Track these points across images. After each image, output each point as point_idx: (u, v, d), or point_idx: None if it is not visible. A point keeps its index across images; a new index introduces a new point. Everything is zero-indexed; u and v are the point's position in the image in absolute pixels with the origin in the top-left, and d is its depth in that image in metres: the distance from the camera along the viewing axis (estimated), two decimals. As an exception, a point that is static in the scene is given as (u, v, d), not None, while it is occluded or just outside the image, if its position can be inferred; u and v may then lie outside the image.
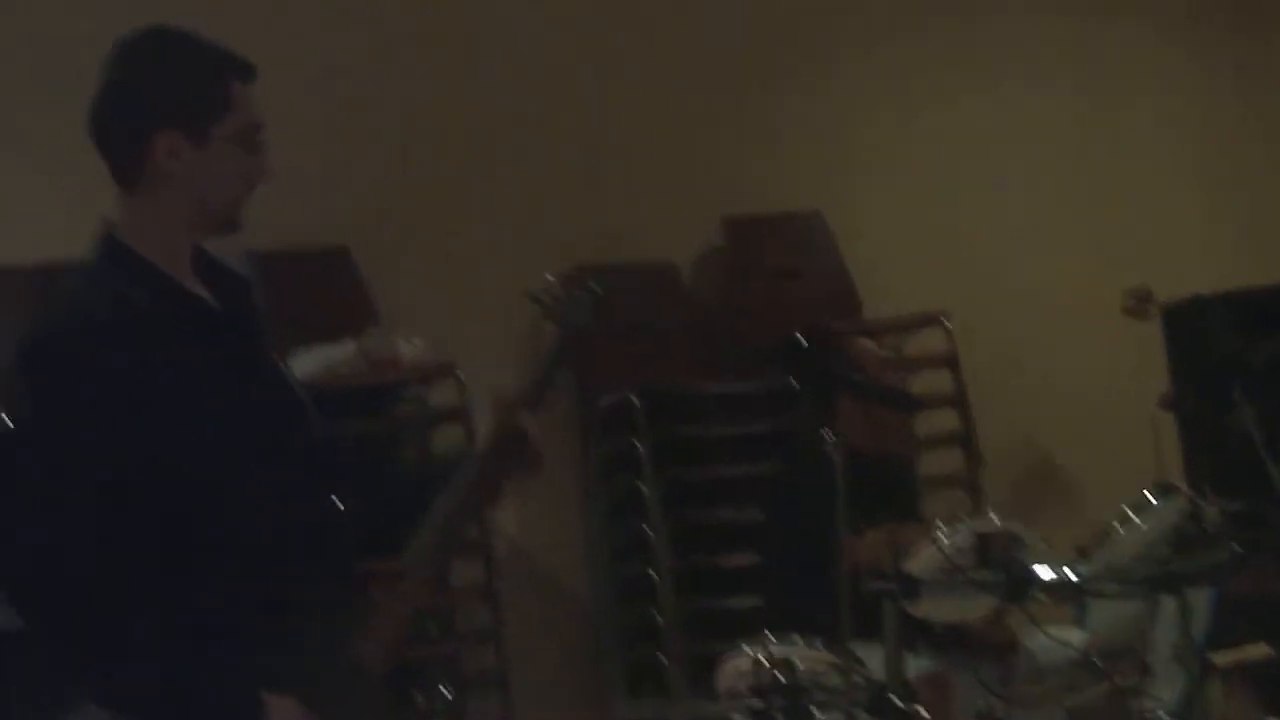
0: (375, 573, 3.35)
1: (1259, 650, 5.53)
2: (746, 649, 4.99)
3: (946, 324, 7.67)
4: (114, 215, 3.24)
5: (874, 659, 4.86)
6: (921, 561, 5.09)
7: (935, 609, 5.15)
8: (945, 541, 5.07)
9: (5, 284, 6.26)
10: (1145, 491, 5.42)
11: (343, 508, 3.40)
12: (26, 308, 3.23)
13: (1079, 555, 5.26)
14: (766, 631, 5.06)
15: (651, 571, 7.10)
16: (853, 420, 5.43)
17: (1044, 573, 4.96)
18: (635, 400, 7.17)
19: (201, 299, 3.25)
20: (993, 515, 5.32)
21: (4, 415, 3.12)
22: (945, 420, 7.66)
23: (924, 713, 4.46)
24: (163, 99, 3.18)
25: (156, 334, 3.14)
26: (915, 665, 5.07)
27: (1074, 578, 4.95)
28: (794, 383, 6.89)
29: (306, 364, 6.51)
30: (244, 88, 3.23)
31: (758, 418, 7.23)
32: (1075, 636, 5.45)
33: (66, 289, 3.23)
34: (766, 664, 4.75)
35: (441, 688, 3.37)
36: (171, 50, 3.24)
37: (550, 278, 3.62)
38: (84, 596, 3.03)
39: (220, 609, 3.12)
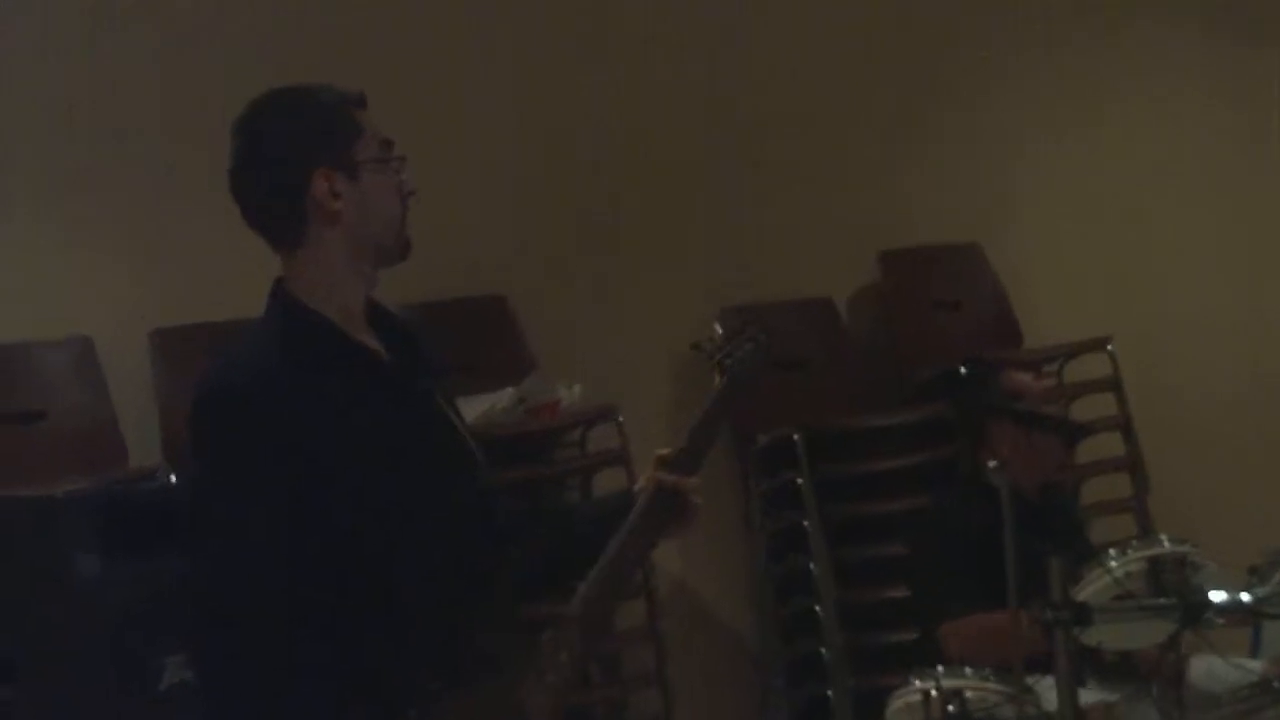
0: (544, 619, 3.35)
1: None
2: (916, 682, 4.95)
3: (1110, 349, 7.59)
4: (284, 274, 3.28)
5: (1045, 690, 4.79)
6: (1093, 588, 5.01)
7: (1108, 637, 5.07)
8: (1116, 567, 4.99)
9: (192, 340, 6.35)
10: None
11: (512, 554, 3.42)
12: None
13: (1252, 577, 5.15)
14: (937, 664, 5.02)
15: (816, 607, 7.07)
16: (1009, 451, 5.38)
17: (1218, 596, 4.88)
18: (795, 437, 7.15)
19: (371, 349, 3.28)
20: (1163, 539, 5.23)
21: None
22: (1111, 446, 7.57)
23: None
24: (306, 140, 3.23)
25: (327, 383, 3.17)
26: (1085, 697, 5.00)
27: (1248, 599, 4.86)
28: (952, 414, 6.89)
29: (466, 412, 6.53)
30: (364, 113, 3.29)
31: (918, 450, 7.18)
32: (1252, 664, 5.34)
33: (240, 343, 3.28)
34: (936, 696, 4.70)
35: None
36: (294, 99, 3.30)
37: (718, 327, 3.63)
38: (254, 635, 3.06)
39: (390, 656, 3.14)
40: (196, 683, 3.19)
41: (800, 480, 7.14)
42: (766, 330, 3.64)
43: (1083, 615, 4.44)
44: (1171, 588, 4.90)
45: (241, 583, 3.07)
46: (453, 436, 3.38)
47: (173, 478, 5.83)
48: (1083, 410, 7.54)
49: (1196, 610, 4.73)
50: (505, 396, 6.75)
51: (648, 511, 3.42)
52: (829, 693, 7.02)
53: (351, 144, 3.24)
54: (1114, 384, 7.60)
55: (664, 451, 3.48)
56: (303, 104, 3.28)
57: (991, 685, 4.89)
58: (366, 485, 3.14)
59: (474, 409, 6.57)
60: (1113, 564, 4.99)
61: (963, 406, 6.23)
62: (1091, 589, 4.99)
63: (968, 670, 4.97)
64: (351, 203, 3.22)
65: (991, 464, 4.65)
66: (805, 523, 7.14)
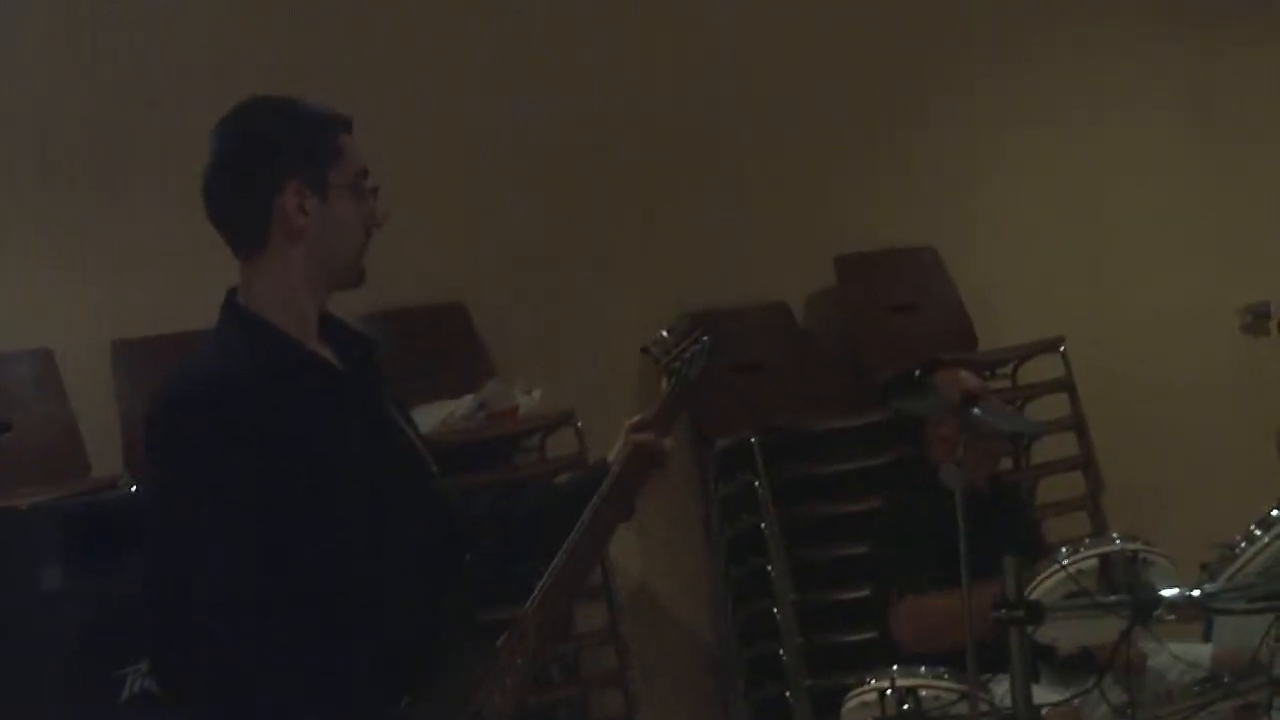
0: (499, 622, 3.39)
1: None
2: (871, 680, 5.01)
3: (1063, 350, 7.65)
4: (239, 284, 3.31)
5: (1000, 688, 4.85)
6: (1046, 586, 5.07)
7: (1061, 634, 5.13)
8: (1068, 565, 5.05)
9: (153, 351, 6.38)
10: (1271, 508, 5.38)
11: (466, 558, 3.46)
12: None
13: (1205, 574, 5.21)
14: (892, 664, 5.08)
15: (775, 609, 7.12)
16: (946, 450, 5.44)
17: (1169, 592, 4.94)
18: (753, 440, 7.20)
19: (324, 359, 3.31)
20: (1115, 537, 5.29)
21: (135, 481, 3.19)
22: (1065, 445, 7.64)
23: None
24: (283, 152, 3.25)
25: (281, 392, 3.20)
26: (1038, 695, 5.06)
27: (1200, 596, 4.92)
28: (906, 416, 6.94)
29: (426, 419, 6.56)
30: (349, 138, 3.32)
31: (874, 452, 7.24)
32: (1204, 652, 5.40)
33: (196, 353, 3.30)
34: (891, 694, 4.76)
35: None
36: (281, 110, 3.33)
37: (664, 332, 3.67)
38: (214, 645, 3.08)
39: (345, 660, 3.16)
40: (158, 689, 3.21)
41: (758, 483, 7.19)
42: (711, 334, 3.68)
43: (1035, 613, 4.49)
44: (1123, 585, 4.96)
45: (202, 587, 3.08)
46: (406, 445, 3.41)
47: (134, 488, 5.84)
48: (1037, 411, 7.60)
49: (1148, 606, 4.78)
50: (465, 403, 6.79)
51: (623, 473, 3.48)
52: (787, 693, 7.07)
53: (329, 165, 3.27)
54: (1067, 385, 7.67)
55: (635, 419, 3.54)
56: (288, 115, 3.31)
57: (946, 683, 4.94)
58: (323, 492, 3.16)
59: (434, 415, 6.61)
60: (1065, 562, 5.05)
61: (903, 409, 6.30)
62: (1044, 587, 5.04)
63: (922, 669, 5.03)
64: (317, 222, 3.25)
65: (943, 465, 4.70)
66: (763, 525, 7.19)
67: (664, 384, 3.63)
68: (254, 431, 3.13)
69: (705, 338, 3.66)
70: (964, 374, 6.10)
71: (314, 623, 3.15)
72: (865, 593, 6.45)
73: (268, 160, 3.25)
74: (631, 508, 3.52)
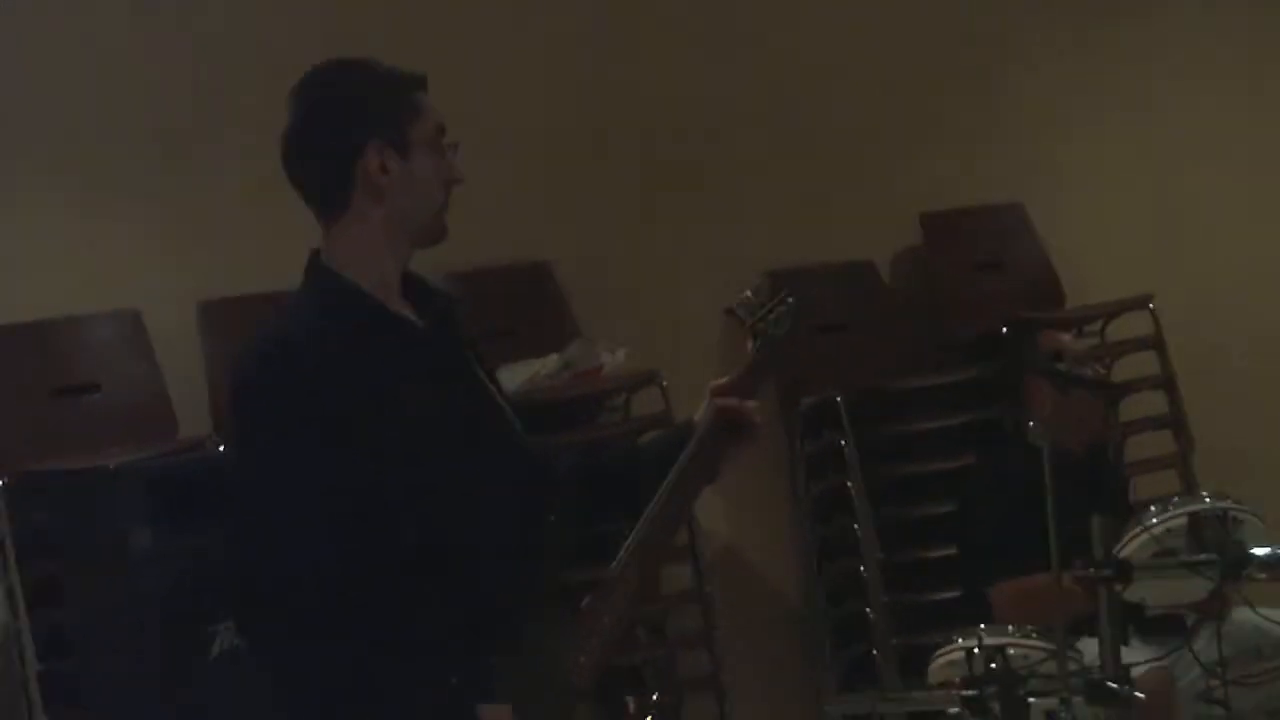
0: (587, 583, 3.39)
1: None
2: (959, 640, 5.00)
3: (1151, 307, 7.60)
4: (321, 245, 3.32)
5: (1090, 650, 4.83)
6: (1135, 545, 5.04)
7: (1151, 593, 5.10)
8: (1156, 524, 5.02)
9: (239, 311, 6.42)
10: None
11: (553, 517, 3.46)
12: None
13: (1296, 530, 5.18)
14: (982, 622, 5.06)
15: (861, 568, 7.11)
16: (1050, 411, 5.41)
17: (1259, 551, 4.91)
18: (839, 400, 7.18)
19: (406, 318, 3.32)
20: (1204, 495, 5.26)
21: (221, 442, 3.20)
22: (1154, 404, 7.59)
23: (1141, 697, 4.41)
24: (365, 112, 3.27)
25: (363, 351, 3.20)
26: (1128, 655, 5.03)
27: (1290, 554, 4.89)
28: (994, 375, 6.92)
29: (511, 378, 6.58)
30: (424, 95, 3.33)
31: (960, 411, 7.22)
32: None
33: (279, 314, 3.32)
34: (979, 653, 4.74)
35: (654, 693, 3.39)
36: (358, 71, 3.34)
37: (749, 293, 3.65)
38: (301, 605, 3.10)
39: (433, 619, 3.18)
40: (248, 649, 3.23)
41: (844, 442, 7.17)
42: (797, 294, 3.66)
43: (1124, 572, 4.48)
44: (1212, 543, 4.93)
45: (288, 546, 3.11)
46: (491, 404, 3.42)
47: (221, 448, 5.88)
48: (1125, 369, 7.55)
49: (1237, 565, 4.76)
50: (549, 362, 6.79)
51: (708, 436, 3.45)
52: (874, 652, 7.07)
53: (408, 123, 3.28)
54: (1156, 342, 7.61)
55: (719, 381, 3.51)
56: (365, 76, 3.33)
57: (1034, 642, 4.92)
58: (409, 451, 3.17)
59: (518, 375, 6.62)
60: (1153, 521, 5.02)
61: (1003, 367, 6.27)
62: (1133, 546, 5.02)
63: (1010, 628, 5.01)
64: (399, 180, 3.26)
65: (1031, 424, 4.68)
66: (849, 484, 7.17)
67: (750, 345, 3.61)
68: (337, 390, 3.14)
69: (790, 299, 3.63)
70: (1057, 334, 6.08)
71: (400, 580, 3.16)
72: (951, 551, 6.44)
73: (348, 121, 3.27)
74: (716, 471, 3.51)
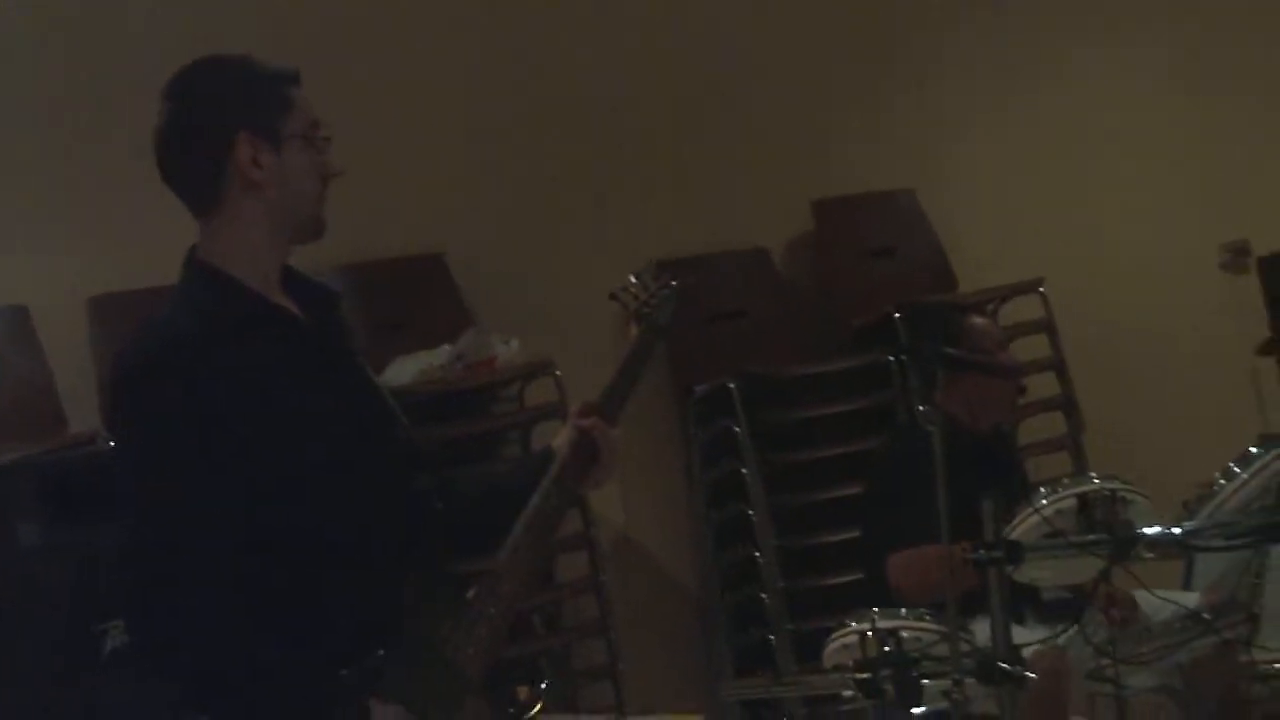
0: (472, 574, 3.38)
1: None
2: (853, 623, 5.02)
3: (1042, 291, 7.66)
4: (198, 242, 3.29)
5: (983, 631, 4.85)
6: (1024, 527, 5.07)
7: (1044, 574, 5.13)
8: (1046, 505, 5.05)
9: (130, 306, 6.37)
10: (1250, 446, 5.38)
11: (435, 510, 3.45)
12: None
13: (1185, 511, 5.22)
14: (881, 605, 5.09)
15: (756, 553, 7.14)
16: (960, 395, 5.43)
17: (1149, 530, 4.95)
18: (732, 386, 7.20)
19: (287, 310, 3.30)
20: (1093, 476, 5.30)
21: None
22: (1045, 385, 7.64)
23: (1033, 676, 4.44)
24: (234, 105, 3.24)
25: (243, 346, 3.18)
26: (1023, 635, 5.07)
27: (1178, 532, 4.93)
28: (893, 360, 6.94)
29: (405, 370, 6.57)
30: (297, 90, 3.31)
31: (853, 396, 7.26)
32: (1185, 600, 5.41)
33: (154, 314, 3.28)
34: (872, 637, 4.76)
35: (545, 683, 3.39)
36: (228, 67, 3.32)
37: (632, 278, 3.66)
38: (187, 603, 3.08)
39: (314, 615, 3.17)
40: (135, 648, 3.21)
41: (737, 428, 7.19)
42: (680, 279, 3.67)
43: (1014, 553, 4.50)
44: (1101, 523, 4.97)
45: (170, 546, 3.09)
46: (373, 397, 3.40)
47: (111, 443, 5.82)
48: (1017, 352, 7.53)
49: (1126, 545, 4.79)
50: (443, 353, 6.78)
51: (570, 461, 3.47)
52: (770, 637, 7.09)
53: (279, 117, 3.26)
54: (1047, 325, 7.68)
55: (580, 405, 3.54)
56: (235, 71, 3.30)
57: (927, 625, 4.95)
58: (289, 446, 3.16)
59: (412, 367, 6.61)
60: (1043, 502, 5.05)
61: (917, 352, 6.27)
62: (1024, 527, 5.05)
63: (903, 611, 5.04)
64: (272, 174, 3.23)
65: (922, 408, 4.70)
66: (743, 470, 7.20)
67: (632, 330, 3.62)
68: (217, 384, 3.12)
69: (674, 282, 3.64)
70: (977, 319, 6.10)
71: (283, 574, 3.15)
72: (847, 536, 6.47)
73: (217, 115, 3.24)
74: (576, 497, 3.52)
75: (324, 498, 3.20)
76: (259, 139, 3.23)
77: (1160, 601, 5.29)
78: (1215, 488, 5.25)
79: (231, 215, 3.25)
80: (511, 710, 3.34)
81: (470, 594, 3.33)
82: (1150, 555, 4.96)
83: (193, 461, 3.09)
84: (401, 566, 3.29)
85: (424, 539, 3.40)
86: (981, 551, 4.43)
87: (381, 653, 3.15)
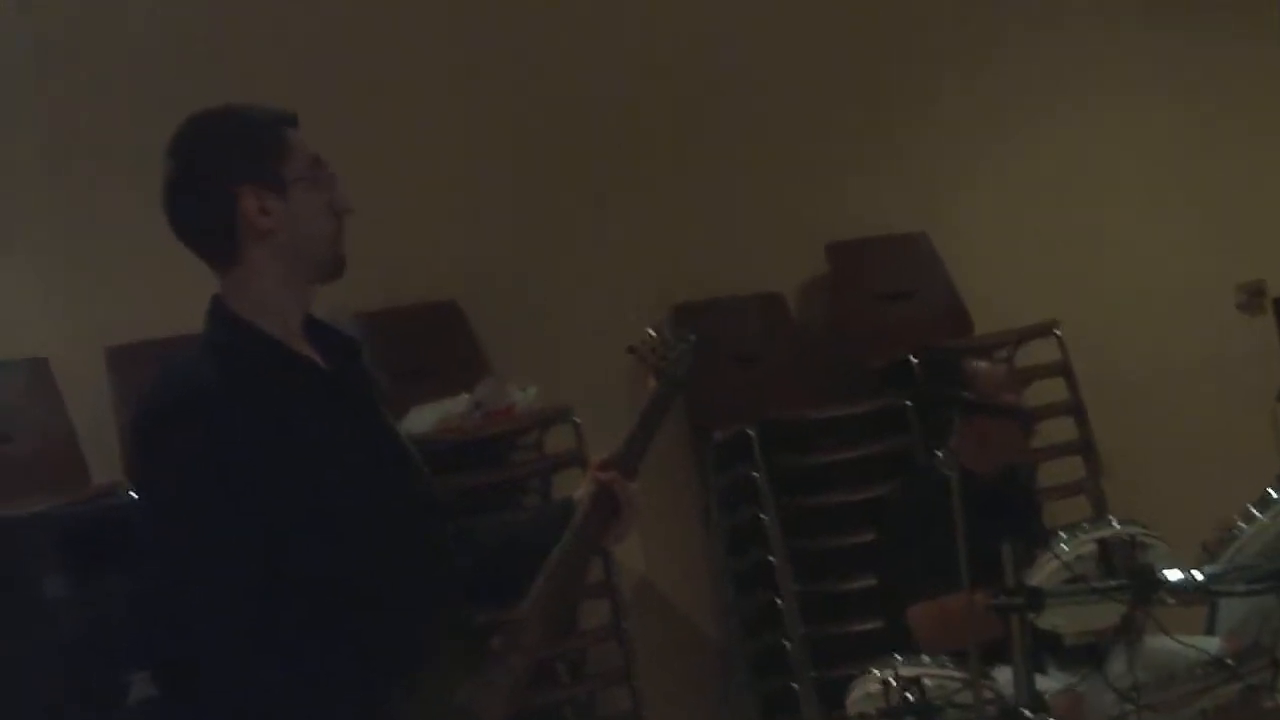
0: (495, 624, 3.40)
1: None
2: (876, 671, 5.02)
3: (1058, 334, 7.66)
4: (221, 290, 3.29)
5: (1005, 677, 4.85)
6: (1046, 572, 5.07)
7: (1062, 620, 5.13)
8: (1066, 551, 5.05)
9: (148, 356, 6.39)
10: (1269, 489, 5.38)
11: (456, 558, 3.45)
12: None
13: (1204, 554, 5.22)
14: (895, 653, 5.09)
15: (777, 599, 7.13)
16: (968, 439, 5.43)
17: (1170, 575, 4.94)
18: (750, 432, 7.21)
19: (309, 359, 3.30)
20: (1113, 520, 5.30)
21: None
22: (1063, 429, 7.65)
23: (1052, 722, 4.45)
24: (234, 158, 3.23)
25: (265, 392, 3.18)
26: (1045, 682, 5.07)
27: (1199, 577, 4.93)
28: (907, 404, 6.94)
29: (424, 418, 6.58)
30: (294, 131, 3.30)
31: (872, 440, 7.25)
32: (1208, 645, 5.40)
33: (179, 359, 3.28)
34: (896, 684, 4.76)
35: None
36: (221, 119, 3.31)
37: (651, 332, 3.68)
38: (209, 648, 3.08)
39: (334, 662, 3.16)
40: (160, 696, 3.21)
41: (756, 474, 7.20)
42: (697, 332, 3.69)
43: (1035, 599, 4.51)
44: (1122, 568, 4.96)
45: (194, 593, 3.08)
46: (395, 445, 3.40)
47: (132, 494, 5.85)
48: (1034, 395, 7.58)
49: (1147, 590, 4.79)
50: (461, 402, 6.78)
51: (590, 515, 3.48)
52: (793, 684, 7.08)
53: (279, 162, 3.25)
54: (1064, 368, 7.68)
55: (603, 457, 3.54)
56: (229, 123, 3.29)
57: (949, 672, 4.95)
58: (310, 493, 3.15)
59: (430, 415, 6.61)
60: (1063, 548, 5.05)
61: (923, 396, 6.29)
62: (1044, 573, 5.05)
63: (926, 658, 5.04)
64: (282, 220, 3.22)
65: (940, 453, 4.71)
66: (763, 516, 7.20)
67: (651, 383, 3.64)
68: (238, 433, 3.11)
69: (692, 337, 3.67)
70: (976, 362, 6.10)
71: (303, 623, 3.14)
72: (868, 582, 6.45)
73: (219, 171, 3.23)
74: (598, 548, 3.54)
75: (345, 544, 3.18)
76: (263, 188, 3.22)
77: (1182, 647, 5.29)
78: (1235, 530, 5.26)
79: (248, 265, 3.24)
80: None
81: (492, 642, 3.34)
82: (1172, 601, 4.97)
83: (214, 506, 3.08)
84: (422, 614, 3.28)
85: (444, 586, 3.39)
86: (1002, 598, 4.44)
87: (398, 700, 3.16)
